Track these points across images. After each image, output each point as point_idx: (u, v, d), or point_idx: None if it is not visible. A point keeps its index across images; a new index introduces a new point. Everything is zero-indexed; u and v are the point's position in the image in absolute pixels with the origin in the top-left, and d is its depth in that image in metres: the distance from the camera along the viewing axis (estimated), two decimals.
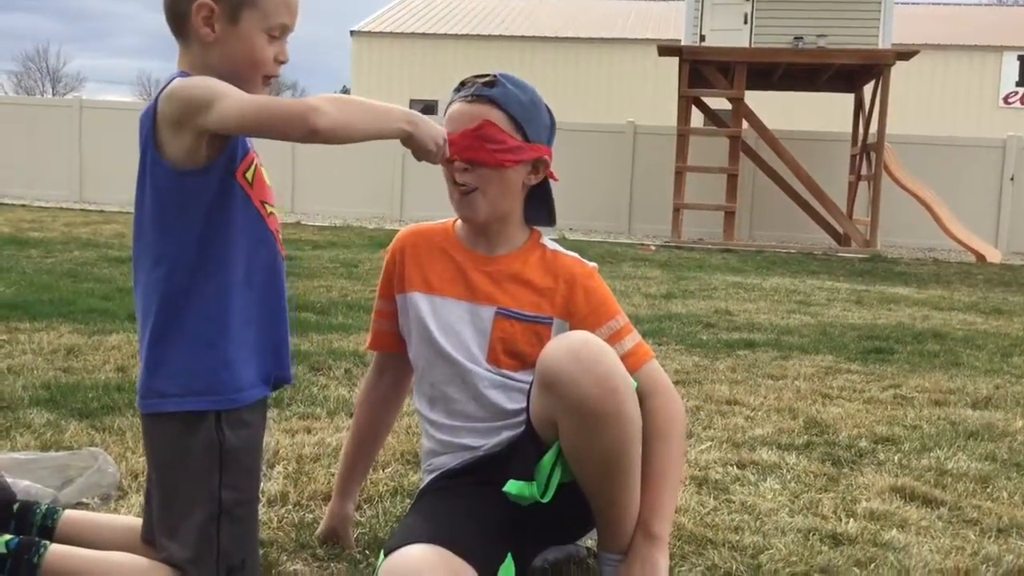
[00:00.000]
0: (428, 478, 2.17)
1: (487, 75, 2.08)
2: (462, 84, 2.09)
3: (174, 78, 1.74)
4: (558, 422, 1.90)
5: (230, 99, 1.64)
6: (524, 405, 2.04)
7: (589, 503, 2.01)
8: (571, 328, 2.05)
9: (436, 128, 1.83)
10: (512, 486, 1.92)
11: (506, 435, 2.08)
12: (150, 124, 1.72)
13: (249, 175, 1.79)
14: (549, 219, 2.20)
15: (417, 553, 1.79)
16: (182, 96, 1.68)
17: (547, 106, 2.14)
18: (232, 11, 1.75)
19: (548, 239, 2.20)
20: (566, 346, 1.88)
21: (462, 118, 2.03)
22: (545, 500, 1.92)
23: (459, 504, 2.00)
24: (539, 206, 2.18)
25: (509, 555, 1.95)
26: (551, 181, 2.17)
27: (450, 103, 2.08)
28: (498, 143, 2.01)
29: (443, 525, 1.91)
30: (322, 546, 2.30)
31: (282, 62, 1.83)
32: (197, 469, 1.75)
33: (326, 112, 1.61)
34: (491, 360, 2.08)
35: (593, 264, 2.18)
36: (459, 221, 2.19)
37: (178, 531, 1.76)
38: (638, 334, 2.14)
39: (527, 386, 2.04)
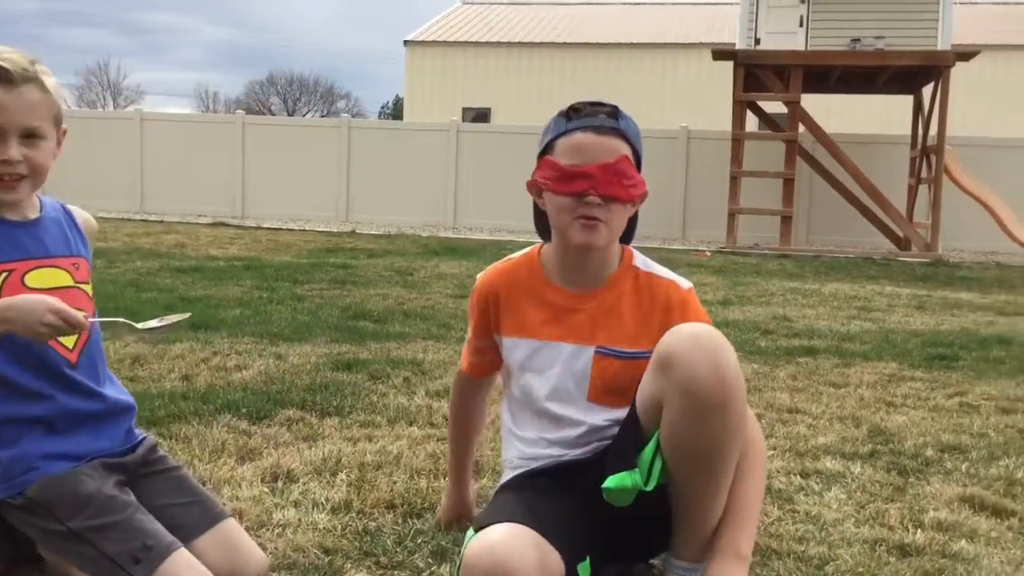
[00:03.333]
0: (510, 474, 2.17)
1: (601, 103, 2.07)
2: (574, 110, 2.04)
3: None
4: (665, 404, 1.90)
5: None
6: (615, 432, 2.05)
7: (672, 510, 2.00)
8: None
9: (33, 310, 1.79)
10: (612, 480, 1.92)
11: (594, 446, 2.09)
12: None
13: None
14: (629, 237, 2.18)
15: (508, 529, 1.82)
16: None
17: None
18: None
19: (639, 255, 2.19)
20: (688, 330, 1.92)
21: (598, 150, 1.99)
22: (649, 488, 1.91)
23: (543, 499, 2.01)
24: (628, 233, 2.17)
25: (588, 559, 1.95)
26: None
27: (566, 131, 2.02)
28: (631, 179, 2.02)
29: (530, 510, 1.92)
30: (440, 530, 2.45)
31: (4, 160, 1.86)
32: (42, 527, 1.85)
33: None
34: (592, 399, 2.08)
35: (688, 285, 2.17)
36: (544, 252, 2.18)
37: (83, 567, 1.86)
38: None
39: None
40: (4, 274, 1.88)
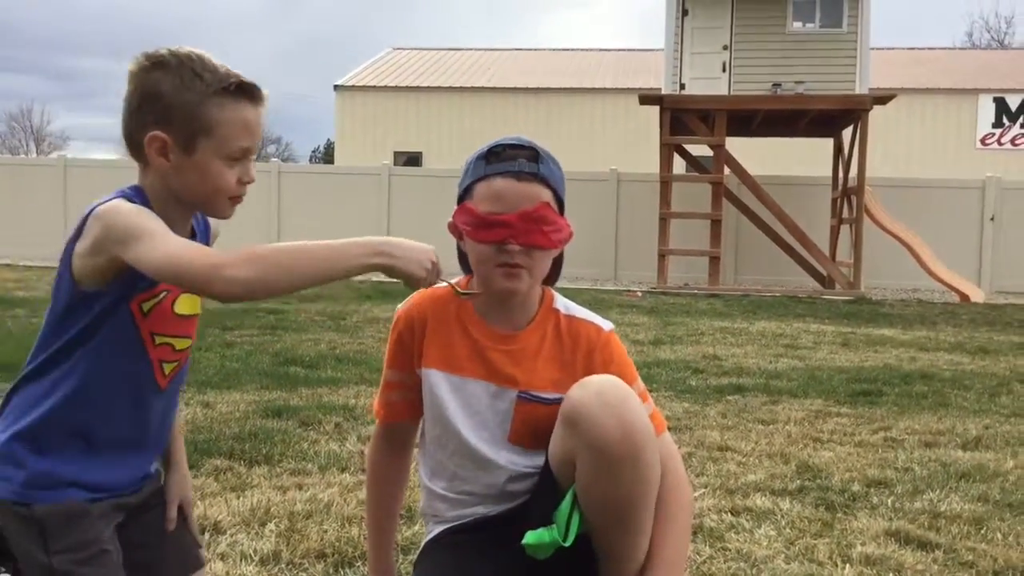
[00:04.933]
0: (435, 530, 2.13)
1: (521, 145, 2.00)
2: (493, 154, 1.99)
3: (115, 196, 1.72)
4: (577, 461, 1.89)
5: (150, 244, 1.59)
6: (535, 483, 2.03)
7: (597, 563, 1.99)
8: None
9: (420, 251, 1.69)
10: (531, 536, 1.90)
11: (518, 502, 2.06)
12: (75, 236, 1.72)
13: (146, 306, 1.76)
14: (554, 278, 2.16)
15: None
16: (107, 222, 1.65)
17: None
18: (186, 142, 1.69)
19: (559, 297, 2.16)
20: (593, 386, 1.89)
21: (516, 198, 1.94)
22: (567, 543, 1.89)
23: (472, 559, 1.98)
24: (551, 275, 2.13)
25: None
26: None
27: (485, 175, 1.98)
28: (552, 225, 1.96)
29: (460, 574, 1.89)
30: None
31: (247, 182, 1.78)
32: (19, 543, 1.74)
33: (234, 277, 1.54)
34: (514, 441, 2.06)
35: (609, 326, 2.14)
36: (471, 285, 2.10)
37: None
38: (653, 403, 2.11)
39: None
40: (163, 294, 1.77)
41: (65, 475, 1.75)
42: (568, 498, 1.93)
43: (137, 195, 1.74)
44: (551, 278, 2.14)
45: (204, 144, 1.70)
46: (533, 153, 1.98)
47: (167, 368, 1.83)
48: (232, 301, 1.57)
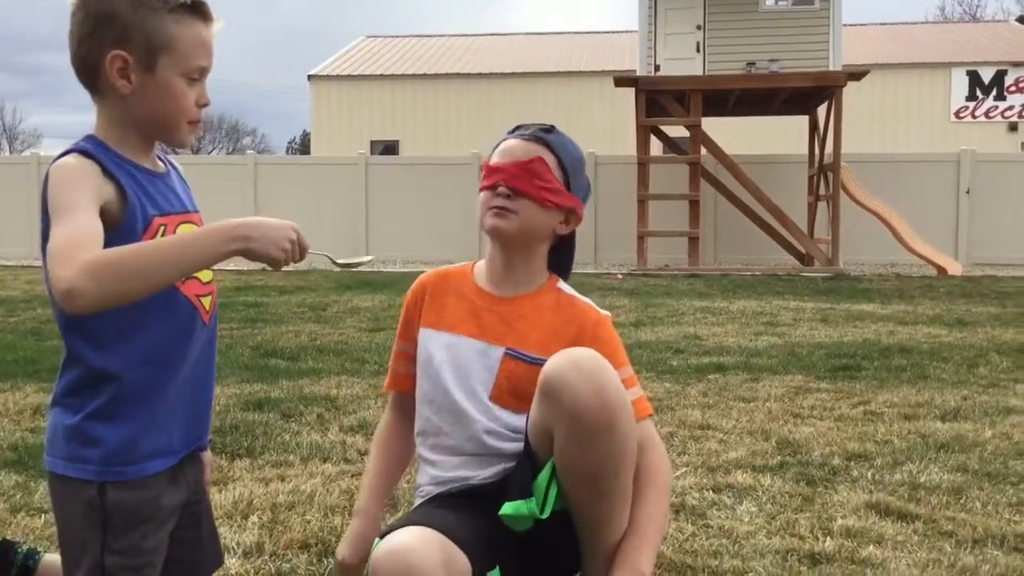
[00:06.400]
0: (419, 501, 2.17)
1: (542, 123, 2.19)
2: (517, 127, 2.19)
3: (70, 150, 1.67)
4: (554, 432, 1.92)
5: (56, 228, 1.54)
6: (517, 448, 2.05)
7: (578, 536, 2.01)
8: None
9: (277, 229, 1.63)
10: (508, 507, 1.92)
11: (501, 466, 2.09)
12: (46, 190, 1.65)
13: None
14: (564, 270, 2.25)
15: (413, 531, 1.82)
16: (49, 187, 1.62)
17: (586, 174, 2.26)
18: (147, 59, 1.67)
19: (564, 283, 2.23)
20: (569, 356, 1.93)
21: (515, 151, 2.12)
22: (544, 516, 1.92)
23: (452, 511, 2.00)
24: (562, 261, 2.24)
25: (498, 568, 1.95)
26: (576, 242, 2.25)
27: (503, 141, 2.17)
28: (544, 180, 2.10)
29: (437, 518, 1.91)
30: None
31: (203, 105, 1.76)
32: (79, 530, 1.69)
33: (81, 293, 1.48)
34: (495, 398, 2.09)
35: (607, 312, 2.21)
36: (478, 264, 2.23)
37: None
38: (641, 389, 2.16)
39: (520, 434, 2.05)
40: (162, 228, 1.72)
41: (141, 445, 1.70)
42: (546, 470, 1.95)
43: (92, 146, 1.68)
44: (562, 270, 2.24)
45: (165, 61, 1.68)
46: (549, 127, 2.17)
47: (206, 302, 1.79)
48: (98, 311, 1.53)
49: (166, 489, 1.74)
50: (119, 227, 1.65)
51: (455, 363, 2.13)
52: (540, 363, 2.02)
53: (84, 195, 1.60)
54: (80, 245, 1.52)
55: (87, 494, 1.67)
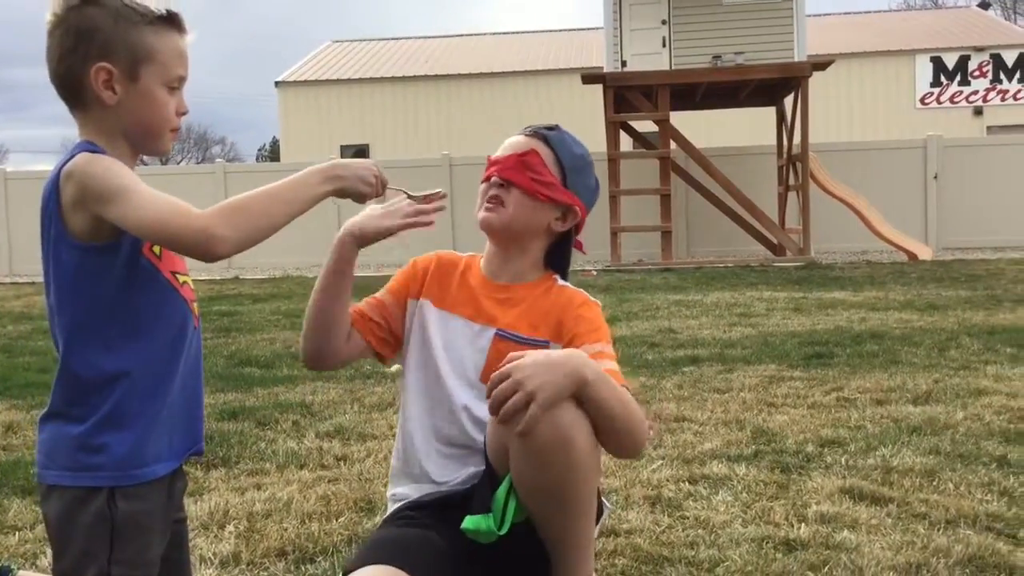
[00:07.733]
0: (392, 507, 2.18)
1: (552, 124, 2.27)
2: (526, 127, 2.27)
3: (75, 152, 1.68)
4: (509, 448, 1.90)
5: (131, 202, 1.59)
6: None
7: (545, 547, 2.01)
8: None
9: (361, 167, 1.83)
10: (469, 521, 1.91)
11: (471, 470, 2.09)
12: (55, 198, 1.67)
13: (157, 248, 1.73)
14: (562, 267, 2.28)
15: (372, 572, 1.81)
16: (81, 181, 1.63)
17: (596, 176, 2.29)
18: (131, 70, 1.71)
19: (563, 282, 2.26)
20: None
21: (513, 145, 2.19)
22: (502, 532, 1.90)
23: (418, 532, 2.01)
24: (559, 262, 2.27)
25: None
26: (576, 248, 2.29)
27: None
28: (537, 174, 2.14)
29: (400, 548, 1.91)
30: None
31: (182, 113, 1.80)
32: (84, 542, 1.68)
33: (224, 238, 1.59)
34: (484, 379, 2.07)
35: (596, 300, 2.23)
36: (484, 257, 2.27)
37: None
38: (616, 364, 2.11)
39: None
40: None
41: (147, 449, 1.72)
42: (504, 486, 1.94)
43: (95, 147, 1.71)
44: (560, 268, 2.28)
45: (147, 71, 1.72)
46: (553, 125, 2.25)
47: (195, 306, 1.83)
48: (226, 258, 1.61)
49: (165, 501, 1.77)
50: (119, 239, 1.67)
51: (448, 342, 2.18)
52: (529, 343, 2.08)
53: (131, 174, 1.65)
54: (182, 204, 1.61)
55: (95, 505, 1.67)
